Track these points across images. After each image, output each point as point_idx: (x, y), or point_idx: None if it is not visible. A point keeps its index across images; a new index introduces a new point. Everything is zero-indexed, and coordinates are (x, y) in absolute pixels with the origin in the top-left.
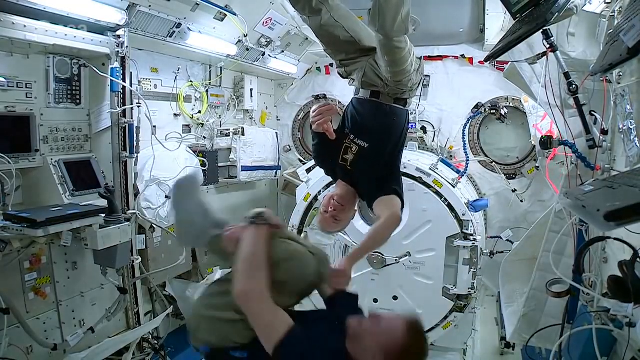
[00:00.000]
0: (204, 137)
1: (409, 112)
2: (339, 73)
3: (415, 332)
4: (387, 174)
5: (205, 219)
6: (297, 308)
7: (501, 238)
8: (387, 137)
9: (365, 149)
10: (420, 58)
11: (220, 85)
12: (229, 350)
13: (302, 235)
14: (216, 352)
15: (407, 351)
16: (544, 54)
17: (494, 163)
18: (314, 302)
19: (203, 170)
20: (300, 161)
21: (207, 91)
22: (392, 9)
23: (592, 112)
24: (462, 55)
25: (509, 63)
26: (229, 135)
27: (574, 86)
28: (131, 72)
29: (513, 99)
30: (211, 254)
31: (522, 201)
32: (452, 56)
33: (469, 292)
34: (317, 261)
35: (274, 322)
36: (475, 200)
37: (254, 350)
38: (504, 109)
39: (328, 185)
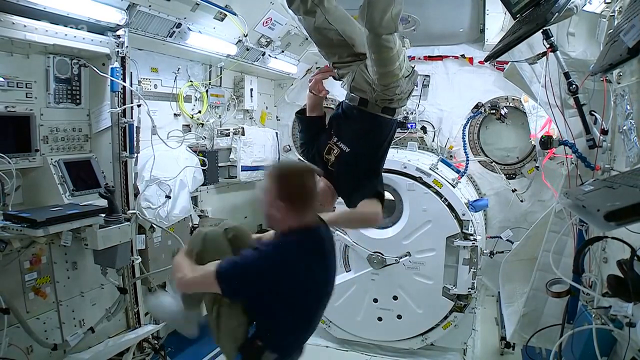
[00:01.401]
0: (204, 137)
1: (397, 120)
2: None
3: (284, 173)
4: (366, 178)
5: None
6: None
7: (501, 238)
8: (367, 146)
9: (346, 154)
10: (412, 67)
11: (220, 85)
12: (247, 337)
13: None
14: (244, 348)
15: (292, 190)
16: (544, 54)
17: (494, 163)
18: None
19: (203, 170)
20: (300, 161)
21: (207, 91)
22: (381, 4)
23: (592, 112)
24: (462, 55)
25: (509, 63)
26: (229, 135)
27: (574, 86)
28: (131, 72)
29: (513, 99)
30: (196, 307)
31: (522, 201)
32: (452, 56)
33: (469, 292)
34: (222, 231)
35: (204, 271)
36: (475, 200)
37: (254, 320)
38: (504, 109)
39: None
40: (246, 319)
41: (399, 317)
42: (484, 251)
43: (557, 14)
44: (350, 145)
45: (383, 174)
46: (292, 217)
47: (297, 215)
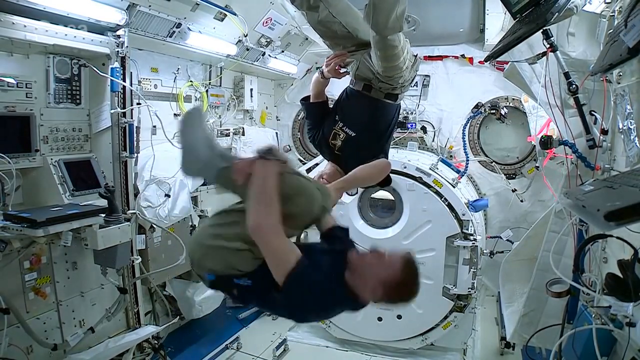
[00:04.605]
0: None
1: (399, 105)
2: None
3: (410, 269)
4: (373, 160)
5: (212, 150)
6: None
7: (501, 238)
8: (373, 130)
9: (353, 138)
10: (415, 55)
11: (220, 85)
12: (233, 278)
13: (302, 234)
14: (221, 280)
15: (401, 285)
16: (544, 53)
17: (494, 163)
18: None
19: None
20: (300, 161)
21: (207, 91)
22: (386, 6)
23: (592, 112)
24: (462, 55)
25: (509, 63)
26: (229, 135)
27: (574, 86)
28: (131, 72)
29: (513, 99)
30: (219, 185)
31: (522, 201)
32: (452, 56)
33: (469, 292)
34: (321, 196)
35: (286, 254)
36: (475, 200)
37: (257, 279)
38: (504, 109)
39: None
40: (249, 272)
41: (399, 317)
42: (484, 251)
43: (557, 14)
44: (356, 129)
45: None
46: (378, 297)
47: (382, 298)
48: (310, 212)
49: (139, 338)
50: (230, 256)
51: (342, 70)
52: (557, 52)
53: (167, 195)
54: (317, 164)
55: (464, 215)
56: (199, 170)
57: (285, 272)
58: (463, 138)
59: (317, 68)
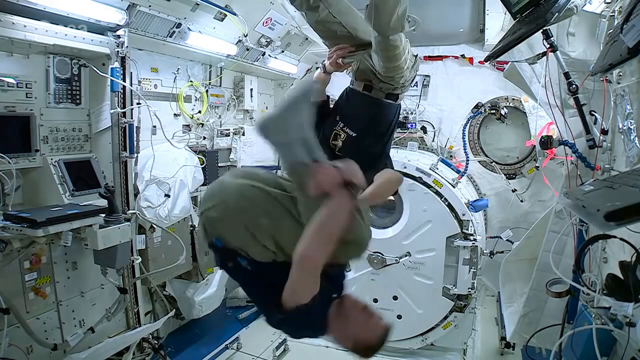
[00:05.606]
0: (204, 137)
1: (400, 105)
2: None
3: (384, 340)
4: (374, 161)
5: (305, 138)
6: None
7: (501, 238)
8: (374, 130)
9: (353, 138)
10: (415, 55)
11: (220, 85)
12: (238, 256)
13: None
14: (226, 251)
15: (369, 349)
16: (544, 54)
17: (494, 163)
18: None
19: (203, 170)
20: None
21: (207, 91)
22: (388, 6)
23: (592, 112)
24: (462, 55)
25: (509, 63)
26: (229, 135)
27: (574, 86)
28: (131, 72)
29: (513, 99)
30: (289, 174)
31: (522, 201)
32: (452, 56)
33: (469, 292)
34: (368, 242)
35: (310, 291)
36: (475, 200)
37: (261, 269)
38: (504, 109)
39: None
40: (257, 261)
41: (399, 317)
42: (484, 251)
43: (557, 14)
44: (356, 130)
45: None
46: (343, 343)
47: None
48: (352, 257)
49: (139, 332)
50: (251, 243)
51: (345, 61)
52: (557, 52)
53: (167, 195)
54: None
55: (464, 215)
56: (278, 143)
57: (297, 303)
58: (463, 138)
59: (317, 68)
